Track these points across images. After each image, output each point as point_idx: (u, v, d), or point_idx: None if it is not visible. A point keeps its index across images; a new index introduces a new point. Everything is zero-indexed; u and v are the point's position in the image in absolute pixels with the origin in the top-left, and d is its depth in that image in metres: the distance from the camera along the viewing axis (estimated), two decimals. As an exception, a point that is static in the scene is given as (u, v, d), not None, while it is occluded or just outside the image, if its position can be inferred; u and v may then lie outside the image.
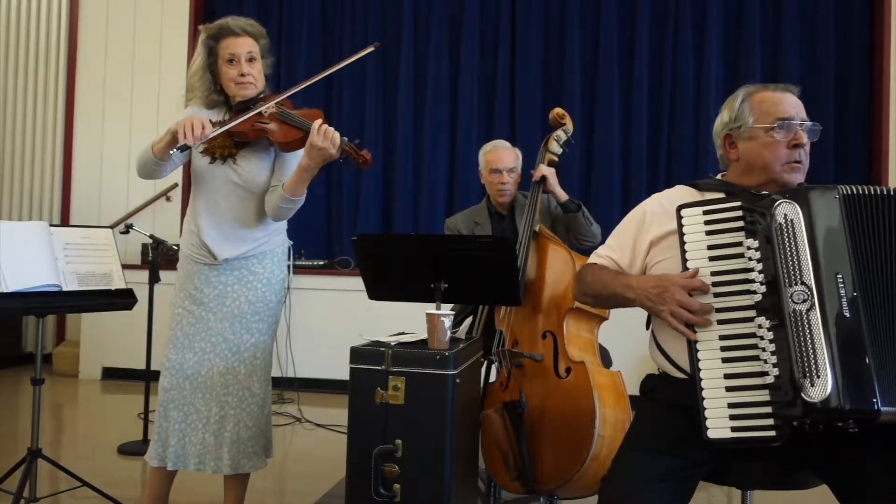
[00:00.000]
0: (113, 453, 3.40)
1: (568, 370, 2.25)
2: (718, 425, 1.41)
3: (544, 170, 2.74)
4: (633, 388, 1.95)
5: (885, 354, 1.36)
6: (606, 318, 2.42)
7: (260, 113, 2.18)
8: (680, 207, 1.57)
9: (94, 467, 3.10)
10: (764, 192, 1.54)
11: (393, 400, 1.96)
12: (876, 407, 1.32)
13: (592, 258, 1.82)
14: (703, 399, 1.44)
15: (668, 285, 1.53)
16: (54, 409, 4.46)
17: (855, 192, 1.43)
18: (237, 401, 2.25)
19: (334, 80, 5.47)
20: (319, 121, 2.11)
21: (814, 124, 1.63)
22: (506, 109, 5.29)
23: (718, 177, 1.78)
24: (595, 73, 5.19)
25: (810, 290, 1.37)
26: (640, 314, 1.78)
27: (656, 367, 1.76)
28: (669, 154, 5.14)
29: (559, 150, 2.80)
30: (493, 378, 2.66)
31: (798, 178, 1.63)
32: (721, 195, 1.61)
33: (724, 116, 1.71)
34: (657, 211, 1.72)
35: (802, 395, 1.33)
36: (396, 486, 1.93)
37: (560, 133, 2.80)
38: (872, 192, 1.44)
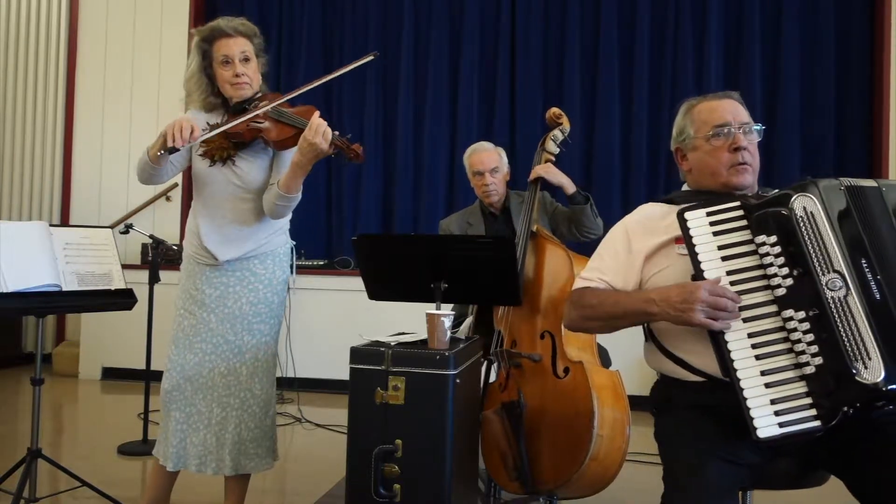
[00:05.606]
0: (113, 453, 3.40)
1: (566, 370, 2.25)
2: (766, 423, 1.38)
3: (539, 171, 2.73)
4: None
5: None
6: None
7: (256, 114, 2.17)
8: (682, 211, 1.56)
9: (94, 467, 3.11)
10: (762, 194, 1.58)
11: (393, 400, 1.95)
12: None
13: (580, 283, 1.74)
14: (746, 400, 1.40)
15: (693, 289, 1.47)
16: (54, 409, 4.45)
17: (853, 183, 1.50)
18: (239, 402, 2.25)
19: (334, 81, 5.46)
20: (317, 114, 2.11)
21: (758, 126, 1.69)
22: (506, 109, 5.28)
23: (684, 188, 1.82)
24: (595, 73, 5.19)
25: (843, 276, 1.40)
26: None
27: (654, 372, 1.75)
28: (669, 154, 5.11)
29: (556, 150, 2.80)
30: (493, 378, 2.66)
31: (747, 178, 1.67)
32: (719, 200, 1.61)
33: (673, 132, 1.79)
34: (637, 229, 1.72)
35: (857, 378, 1.34)
36: (396, 486, 1.93)
37: (557, 133, 2.79)
38: (864, 184, 1.50)
